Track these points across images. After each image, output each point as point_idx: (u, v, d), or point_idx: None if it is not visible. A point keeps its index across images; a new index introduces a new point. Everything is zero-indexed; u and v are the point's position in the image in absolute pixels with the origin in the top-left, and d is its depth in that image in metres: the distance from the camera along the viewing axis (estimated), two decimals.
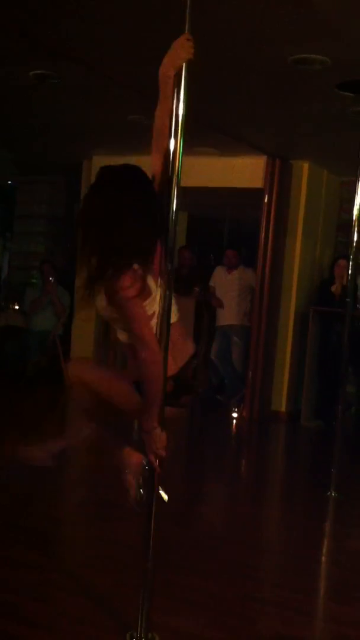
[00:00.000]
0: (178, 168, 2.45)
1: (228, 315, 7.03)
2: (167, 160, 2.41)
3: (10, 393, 6.92)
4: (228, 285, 7.04)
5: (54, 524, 3.68)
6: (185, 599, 2.86)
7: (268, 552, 3.57)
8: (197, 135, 5.43)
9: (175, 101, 2.40)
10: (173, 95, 2.34)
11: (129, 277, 2.22)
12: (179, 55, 2.33)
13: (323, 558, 3.61)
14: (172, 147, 2.43)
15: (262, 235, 6.66)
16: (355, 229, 4.38)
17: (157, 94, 2.44)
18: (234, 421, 6.72)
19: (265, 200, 6.61)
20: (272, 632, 2.67)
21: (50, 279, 7.62)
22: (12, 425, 5.35)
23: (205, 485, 4.73)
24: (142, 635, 2.44)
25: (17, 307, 7.83)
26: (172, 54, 2.34)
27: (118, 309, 2.26)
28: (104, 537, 3.49)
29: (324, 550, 3.74)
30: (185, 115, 2.42)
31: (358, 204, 4.37)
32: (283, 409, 6.87)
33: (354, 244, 4.43)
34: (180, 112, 2.42)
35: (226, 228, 9.23)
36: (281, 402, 6.89)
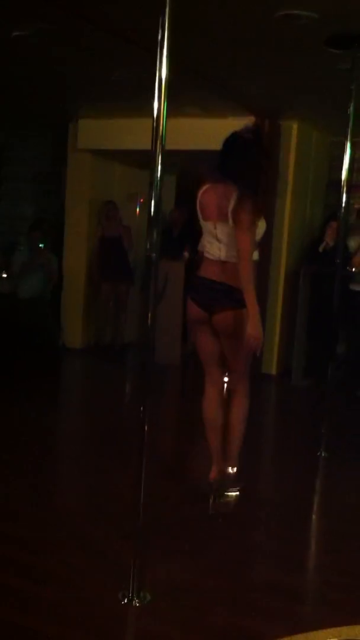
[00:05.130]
0: (162, 131, 2.42)
1: None
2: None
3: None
4: None
5: (50, 478, 3.75)
6: (178, 550, 2.93)
7: (258, 505, 3.62)
8: (183, 95, 5.33)
9: (158, 63, 2.37)
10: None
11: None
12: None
13: (313, 511, 3.70)
14: (155, 111, 2.40)
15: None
16: (344, 190, 4.36)
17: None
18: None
19: None
20: (263, 579, 2.75)
21: (40, 245, 7.57)
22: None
23: (197, 443, 4.78)
24: (134, 594, 2.50)
25: (4, 275, 7.78)
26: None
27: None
28: (100, 489, 3.57)
29: (314, 504, 3.82)
30: (167, 79, 2.39)
31: (347, 164, 4.33)
32: (274, 368, 6.92)
33: (343, 205, 4.41)
34: (163, 75, 2.39)
35: None
36: (272, 362, 6.94)
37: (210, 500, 3.41)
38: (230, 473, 3.55)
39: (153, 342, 2.48)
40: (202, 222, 3.38)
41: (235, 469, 3.56)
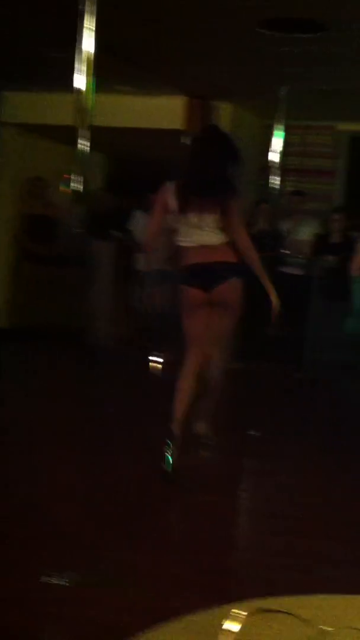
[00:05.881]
0: (89, 107, 2.36)
1: (150, 260, 6.93)
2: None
3: None
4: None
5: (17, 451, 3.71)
6: (124, 532, 2.89)
7: (190, 487, 3.63)
8: (114, 73, 5.24)
9: (84, 37, 2.31)
10: None
11: None
12: None
13: (245, 491, 3.74)
14: (82, 86, 2.34)
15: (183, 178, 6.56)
16: (276, 173, 4.38)
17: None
18: (156, 365, 6.74)
19: (186, 141, 6.49)
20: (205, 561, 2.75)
21: None
22: None
23: (137, 426, 4.75)
24: (87, 570, 2.45)
25: None
26: None
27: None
28: (67, 467, 3.53)
29: (243, 484, 3.86)
30: (95, 53, 2.33)
31: (278, 148, 4.35)
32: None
33: (276, 188, 4.44)
34: (90, 49, 2.33)
35: (147, 171, 9.06)
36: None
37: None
38: (205, 429, 3.82)
39: (85, 322, 2.41)
40: (175, 215, 3.61)
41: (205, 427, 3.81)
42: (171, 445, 3.51)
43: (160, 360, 6.75)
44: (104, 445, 4.10)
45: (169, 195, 3.62)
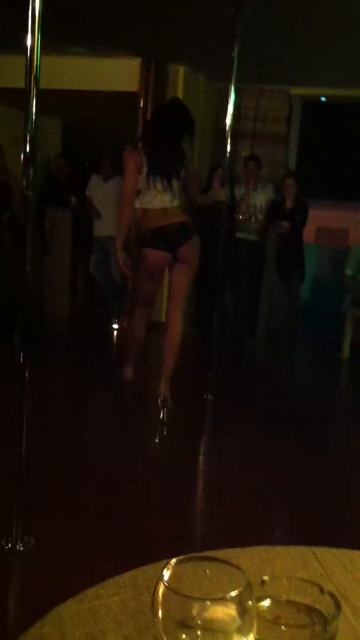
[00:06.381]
0: (36, 67, 2.30)
1: (105, 226, 6.88)
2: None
3: None
4: (105, 195, 6.86)
5: None
6: (61, 503, 2.91)
7: (143, 453, 3.68)
8: (65, 33, 5.11)
9: None
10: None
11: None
12: None
13: (200, 456, 3.79)
14: (29, 44, 2.28)
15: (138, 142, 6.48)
16: (229, 137, 4.36)
17: None
18: (115, 332, 6.75)
19: (141, 105, 6.41)
20: (142, 530, 2.78)
21: None
22: None
23: (91, 395, 4.77)
24: (17, 539, 2.48)
25: None
26: None
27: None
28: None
29: (201, 447, 3.93)
30: (42, 10, 2.26)
31: (231, 112, 4.32)
32: (163, 319, 6.93)
33: (228, 153, 4.42)
34: (37, 6, 2.26)
35: (102, 136, 8.93)
36: (161, 313, 6.96)
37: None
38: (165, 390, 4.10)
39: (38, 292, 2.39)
40: (143, 177, 3.86)
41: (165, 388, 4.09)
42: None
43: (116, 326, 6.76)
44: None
45: (139, 158, 3.86)
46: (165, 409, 4.00)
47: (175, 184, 3.91)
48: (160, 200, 3.88)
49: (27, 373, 2.46)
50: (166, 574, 0.59)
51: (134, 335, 4.39)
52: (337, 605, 0.69)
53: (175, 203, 3.93)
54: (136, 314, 4.34)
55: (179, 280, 4.04)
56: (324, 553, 0.92)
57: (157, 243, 3.90)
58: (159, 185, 3.86)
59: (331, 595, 0.71)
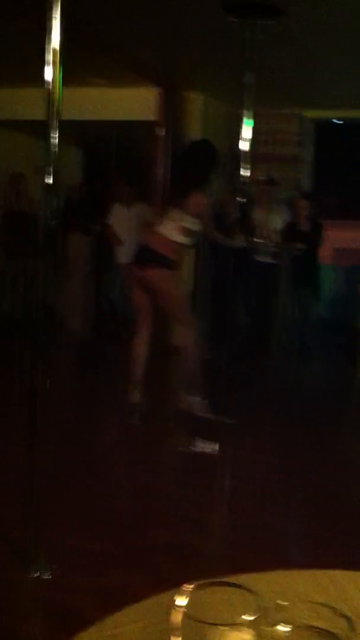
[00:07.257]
0: (58, 101, 2.37)
1: (129, 252, 6.91)
2: None
3: None
4: (128, 222, 6.88)
5: None
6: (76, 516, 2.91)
7: (144, 469, 3.70)
8: (85, 64, 5.23)
9: (52, 31, 2.31)
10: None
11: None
12: None
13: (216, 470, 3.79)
14: (50, 78, 2.35)
15: (159, 170, 6.54)
16: (245, 162, 4.41)
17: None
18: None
19: (160, 133, 6.49)
20: (160, 542, 2.77)
21: None
22: None
23: (97, 410, 4.77)
24: (44, 567, 2.47)
25: None
26: None
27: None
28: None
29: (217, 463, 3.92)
30: (62, 45, 2.34)
31: (246, 135, 4.36)
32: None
33: (245, 177, 4.48)
34: (57, 40, 2.34)
35: (116, 162, 9.04)
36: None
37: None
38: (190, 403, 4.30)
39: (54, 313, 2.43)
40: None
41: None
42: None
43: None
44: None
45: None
46: (178, 423, 4.11)
47: (187, 214, 4.07)
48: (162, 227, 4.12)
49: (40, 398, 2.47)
50: (183, 600, 0.60)
51: (135, 353, 4.43)
52: (352, 628, 0.71)
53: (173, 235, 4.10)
54: (137, 329, 4.45)
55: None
56: (340, 575, 0.93)
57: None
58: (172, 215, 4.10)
59: (347, 618, 0.73)
